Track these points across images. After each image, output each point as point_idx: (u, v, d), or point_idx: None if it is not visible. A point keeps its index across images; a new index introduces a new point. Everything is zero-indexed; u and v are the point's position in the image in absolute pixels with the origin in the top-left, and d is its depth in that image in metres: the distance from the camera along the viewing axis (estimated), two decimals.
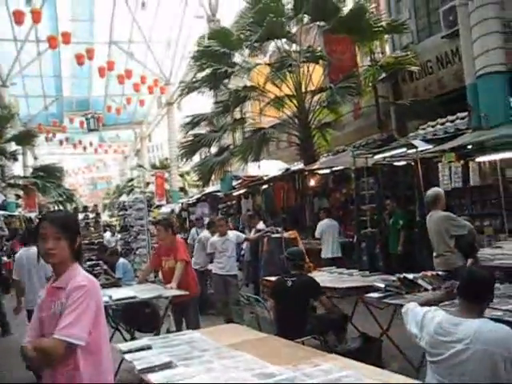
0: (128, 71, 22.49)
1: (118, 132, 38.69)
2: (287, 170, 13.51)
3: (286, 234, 8.31)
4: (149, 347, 3.64)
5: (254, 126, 13.89)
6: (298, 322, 5.24)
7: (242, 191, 15.39)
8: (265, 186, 14.32)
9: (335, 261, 9.25)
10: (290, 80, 12.45)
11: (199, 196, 18.63)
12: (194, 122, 13.12)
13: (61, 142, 32.84)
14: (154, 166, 32.95)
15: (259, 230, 9.15)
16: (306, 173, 12.33)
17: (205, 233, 9.76)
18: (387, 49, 13.56)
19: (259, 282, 8.45)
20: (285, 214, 13.19)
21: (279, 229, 8.56)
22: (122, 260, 10.64)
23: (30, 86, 27.64)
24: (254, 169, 14.01)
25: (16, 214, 20.04)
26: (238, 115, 14.28)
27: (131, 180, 37.23)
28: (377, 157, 9.78)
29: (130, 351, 3.58)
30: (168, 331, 5.75)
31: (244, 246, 10.09)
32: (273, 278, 6.92)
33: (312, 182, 12.66)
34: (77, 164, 44.87)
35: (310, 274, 6.20)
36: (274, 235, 8.47)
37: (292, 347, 3.60)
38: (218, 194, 16.96)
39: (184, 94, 13.54)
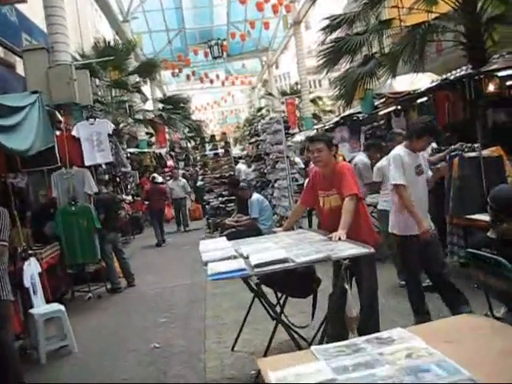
0: None
1: (243, 62, 37.36)
2: (444, 79, 10.69)
3: (485, 152, 5.72)
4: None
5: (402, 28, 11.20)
6: None
7: (390, 109, 12.92)
8: (421, 100, 11.67)
9: None
10: None
11: (337, 120, 16.47)
12: (334, 24, 10.61)
13: (188, 77, 32.24)
14: (283, 93, 31.35)
15: (438, 150, 6.62)
16: (480, 77, 9.50)
17: (360, 156, 7.67)
18: None
19: (446, 220, 6.12)
20: (449, 132, 10.49)
21: (476, 145, 5.88)
22: (256, 196, 8.90)
23: (152, 21, 27.06)
24: (400, 84, 11.48)
25: (146, 150, 19.52)
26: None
27: (260, 109, 35.92)
28: None
29: None
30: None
31: None
32: (473, 216, 4.90)
33: (490, 89, 9.78)
34: (205, 99, 44.82)
35: None
36: (466, 154, 5.89)
37: None
38: (359, 116, 14.70)
39: None
